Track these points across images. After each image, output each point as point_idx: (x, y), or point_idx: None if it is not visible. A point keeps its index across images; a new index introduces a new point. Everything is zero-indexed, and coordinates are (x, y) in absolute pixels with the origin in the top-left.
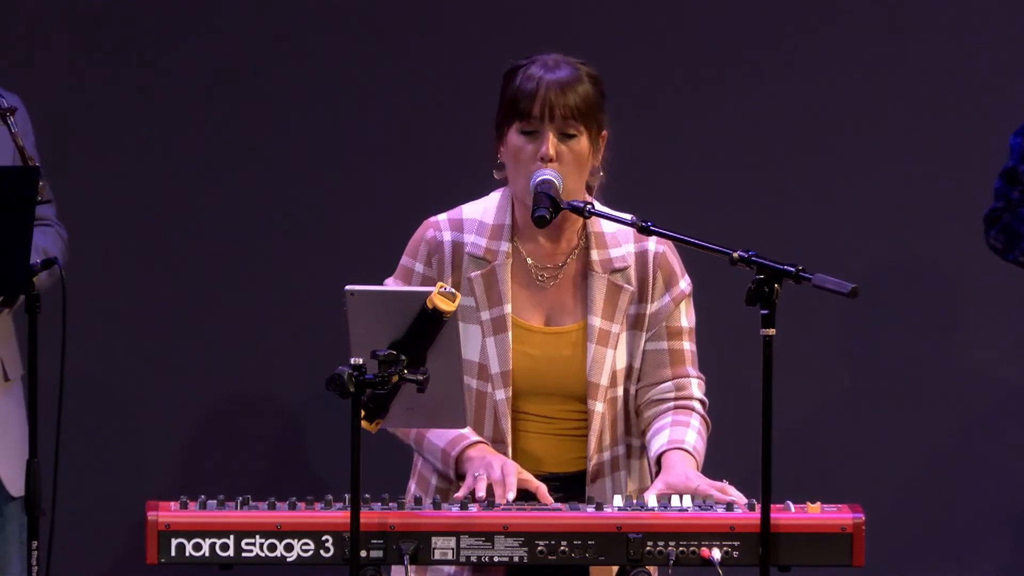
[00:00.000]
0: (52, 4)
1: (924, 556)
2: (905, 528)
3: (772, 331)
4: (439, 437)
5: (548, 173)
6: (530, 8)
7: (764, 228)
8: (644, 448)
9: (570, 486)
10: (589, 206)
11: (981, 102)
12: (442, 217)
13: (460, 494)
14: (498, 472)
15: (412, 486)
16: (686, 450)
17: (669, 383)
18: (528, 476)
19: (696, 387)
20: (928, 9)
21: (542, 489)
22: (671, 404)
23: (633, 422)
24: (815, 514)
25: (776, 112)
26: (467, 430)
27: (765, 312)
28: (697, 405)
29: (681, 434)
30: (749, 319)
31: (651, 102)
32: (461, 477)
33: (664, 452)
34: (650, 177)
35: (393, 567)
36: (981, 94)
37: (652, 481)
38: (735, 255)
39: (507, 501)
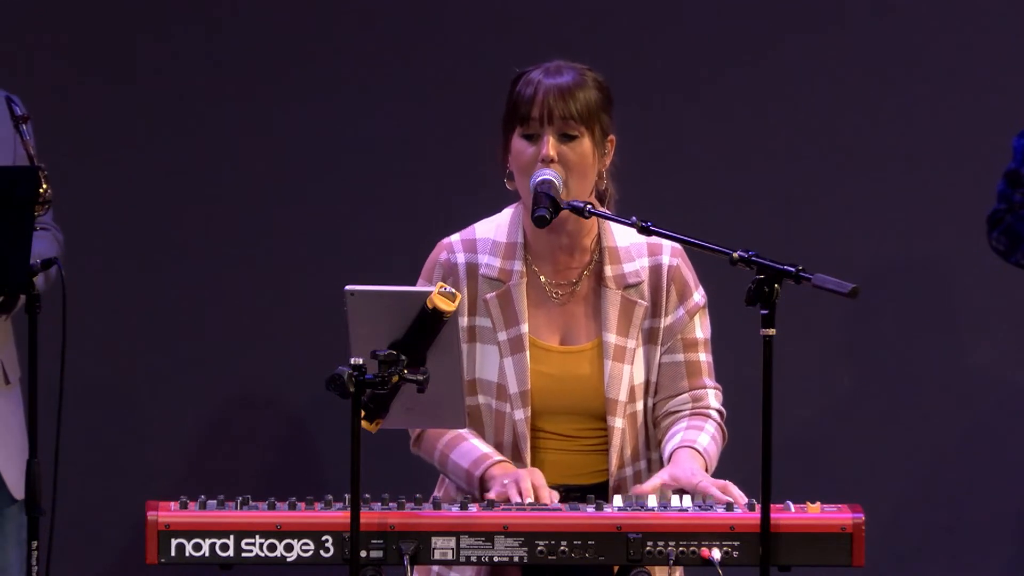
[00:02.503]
0: (52, 4)
1: (924, 556)
2: (905, 528)
3: (772, 331)
4: (463, 457)
5: (548, 173)
6: (539, 14)
7: (764, 228)
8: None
9: (583, 498)
10: (589, 206)
11: (984, 103)
12: (455, 238)
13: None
14: (527, 483)
15: (438, 497)
16: (696, 449)
17: (686, 395)
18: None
19: (713, 397)
20: (930, 10)
21: (554, 496)
22: (687, 413)
23: (652, 436)
24: (815, 514)
25: (776, 112)
26: (490, 450)
27: (765, 312)
28: (714, 414)
29: (694, 436)
30: (749, 319)
31: (650, 102)
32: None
33: (675, 450)
34: (650, 177)
35: (416, 566)
36: (984, 95)
37: None
38: (735, 255)
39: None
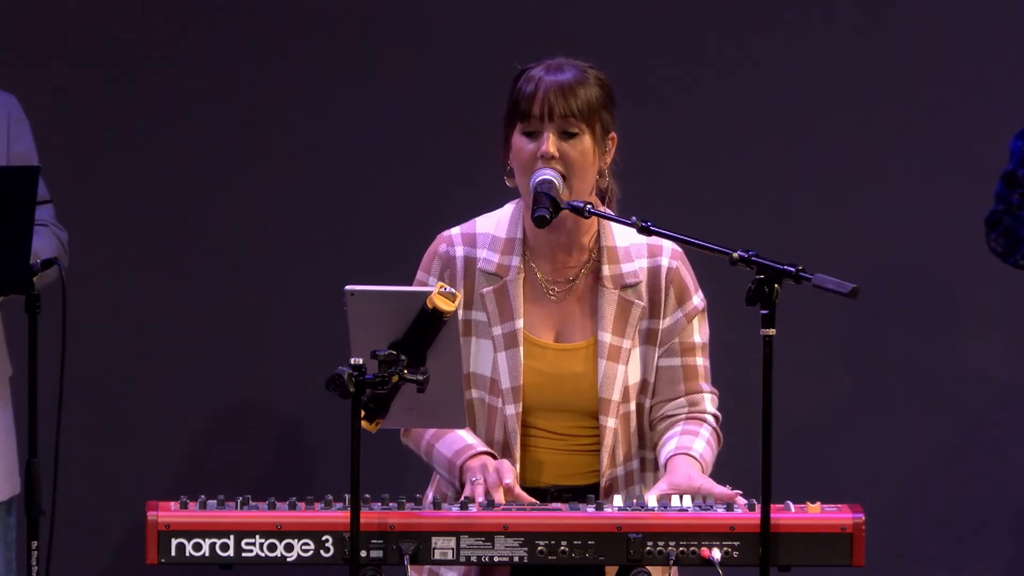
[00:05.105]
0: (52, 4)
1: (924, 556)
2: (905, 528)
3: (772, 331)
4: (447, 447)
5: (548, 173)
6: (540, 10)
7: (764, 228)
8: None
9: (583, 499)
10: (588, 206)
11: (982, 104)
12: (455, 231)
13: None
14: (492, 474)
15: (430, 495)
16: (692, 456)
17: (683, 399)
18: (520, 493)
19: (709, 402)
20: (929, 10)
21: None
22: (683, 417)
23: (647, 436)
24: (815, 514)
25: (776, 112)
26: (475, 441)
27: (765, 312)
28: (709, 418)
29: (688, 442)
30: (749, 319)
31: (651, 101)
32: (464, 487)
33: (670, 458)
34: (650, 177)
35: (410, 567)
36: (982, 96)
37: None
38: (735, 255)
39: (503, 501)
